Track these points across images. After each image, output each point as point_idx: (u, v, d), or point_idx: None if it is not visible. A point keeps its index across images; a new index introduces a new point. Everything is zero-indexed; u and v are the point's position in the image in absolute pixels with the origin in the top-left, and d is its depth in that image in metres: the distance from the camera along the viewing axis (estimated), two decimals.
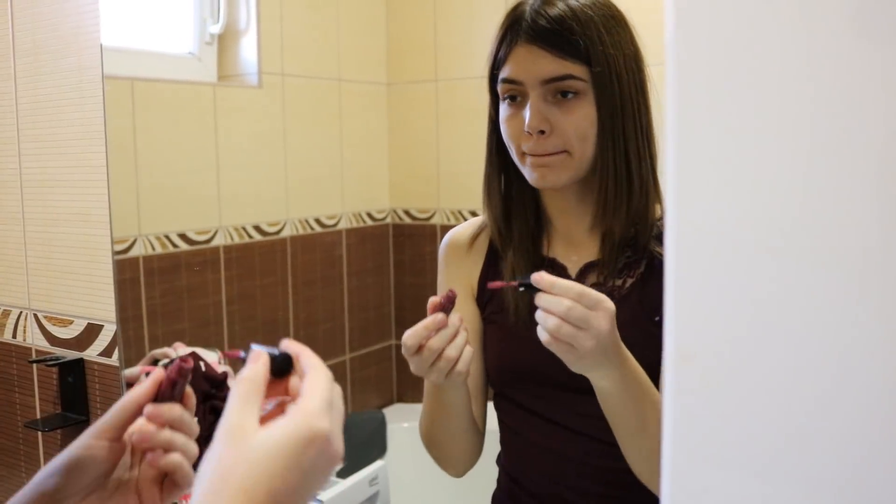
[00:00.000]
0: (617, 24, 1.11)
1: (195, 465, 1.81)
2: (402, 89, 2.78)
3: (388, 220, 2.84)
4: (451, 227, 1.31)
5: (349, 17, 2.64)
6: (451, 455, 1.25)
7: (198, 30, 2.31)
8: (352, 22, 2.65)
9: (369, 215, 2.76)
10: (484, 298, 1.24)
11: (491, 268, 1.24)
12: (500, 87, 1.14)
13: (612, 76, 1.09)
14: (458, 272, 1.27)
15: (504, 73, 1.13)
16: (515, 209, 1.21)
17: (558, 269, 1.18)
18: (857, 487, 0.39)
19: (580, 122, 1.09)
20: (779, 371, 0.40)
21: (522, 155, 1.12)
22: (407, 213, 2.81)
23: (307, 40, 2.49)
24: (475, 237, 1.27)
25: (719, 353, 0.42)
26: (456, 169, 2.67)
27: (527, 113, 1.10)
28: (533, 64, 1.10)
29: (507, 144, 1.15)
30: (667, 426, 0.44)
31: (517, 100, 1.13)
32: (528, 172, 1.13)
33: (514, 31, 1.12)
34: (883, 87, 0.37)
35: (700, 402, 0.43)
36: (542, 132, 1.09)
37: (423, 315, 1.26)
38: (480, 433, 1.25)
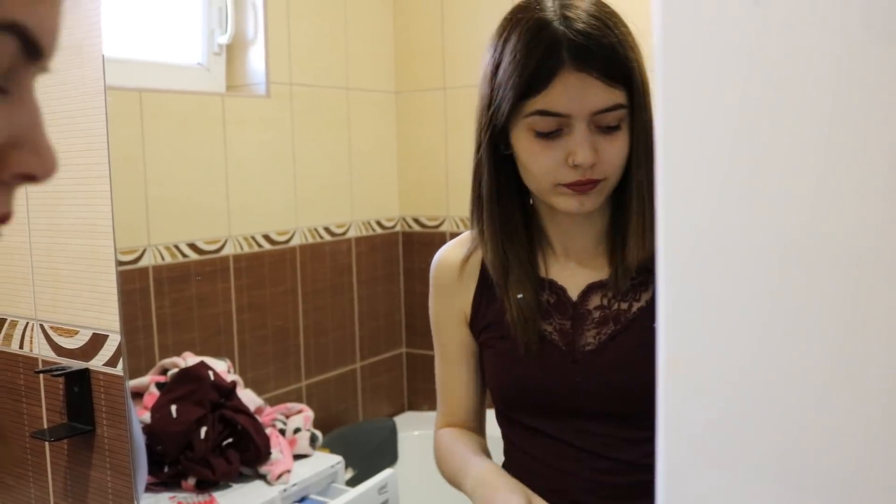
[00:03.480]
0: (628, 28, 1.05)
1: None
2: (411, 97, 2.78)
3: (398, 228, 2.84)
4: (461, 234, 1.26)
5: (357, 26, 2.65)
6: None
7: (206, 40, 2.32)
8: (359, 30, 2.66)
9: (378, 223, 2.76)
10: (480, 323, 1.20)
11: (485, 291, 1.19)
12: (533, 120, 1.03)
13: (647, 97, 1.04)
14: (449, 296, 1.23)
15: (544, 105, 1.02)
16: (508, 230, 1.15)
17: (557, 291, 1.14)
18: (851, 490, 0.38)
19: (621, 151, 1.04)
20: (771, 375, 0.40)
21: (556, 186, 1.05)
22: (416, 220, 2.82)
23: (315, 49, 2.50)
24: (467, 258, 1.21)
25: (711, 357, 0.42)
26: (465, 176, 2.63)
27: (574, 145, 1.01)
28: (583, 94, 1.00)
29: (531, 176, 1.07)
30: (660, 432, 0.44)
31: (553, 134, 1.03)
32: (560, 201, 1.06)
33: (556, 55, 1.00)
34: (874, 90, 0.36)
35: (692, 408, 0.43)
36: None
37: None
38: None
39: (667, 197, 0.42)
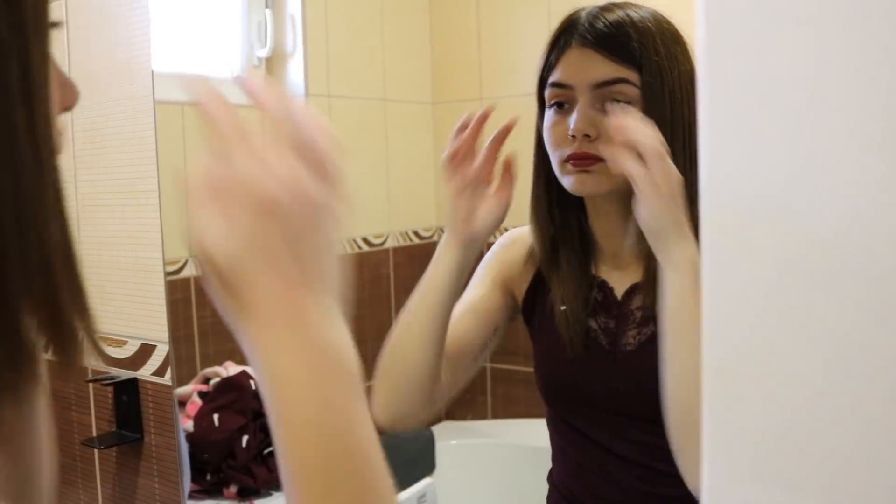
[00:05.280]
0: (675, 40, 1.09)
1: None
2: (448, 108, 2.80)
3: (435, 238, 2.85)
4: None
5: (394, 38, 2.67)
6: (400, 376, 1.15)
7: (245, 53, 2.35)
8: (396, 42, 2.68)
9: (416, 233, 2.77)
10: (532, 312, 1.23)
11: (539, 286, 1.22)
12: (547, 93, 1.11)
13: (665, 88, 1.06)
14: (511, 268, 1.25)
15: (553, 77, 1.10)
16: (563, 231, 1.19)
17: (606, 290, 1.17)
18: None
19: None
20: (819, 387, 0.40)
21: (563, 163, 1.09)
22: None
23: (353, 61, 2.52)
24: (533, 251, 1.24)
25: (757, 369, 0.42)
26: None
27: (573, 117, 1.07)
28: (584, 67, 1.07)
29: (549, 153, 1.12)
30: (705, 443, 0.44)
31: (564, 107, 1.09)
32: (567, 180, 1.10)
33: (568, 35, 1.09)
34: None
35: (738, 419, 0.43)
36: (587, 136, 1.06)
37: None
38: (435, 376, 1.15)
39: (712, 209, 0.42)
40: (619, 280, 1.17)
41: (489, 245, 1.28)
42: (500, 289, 1.25)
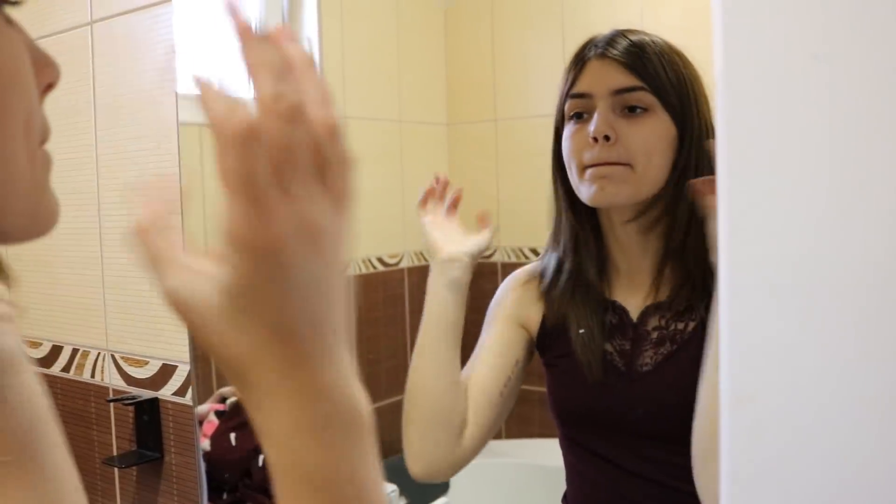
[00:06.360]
0: (685, 65, 1.12)
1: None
2: (462, 129, 2.81)
3: None
4: (512, 265, 1.29)
5: (409, 59, 2.68)
6: (426, 413, 1.18)
7: None
8: (411, 64, 2.69)
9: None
10: (546, 342, 1.23)
11: (552, 317, 1.22)
12: (567, 105, 1.14)
13: (688, 104, 1.09)
14: (520, 306, 1.26)
15: (573, 89, 1.13)
16: (580, 253, 1.19)
17: (621, 313, 1.17)
18: None
19: (647, 136, 1.08)
20: (839, 413, 0.40)
21: (582, 170, 1.10)
22: None
23: (368, 83, 2.54)
24: (541, 279, 1.25)
25: (777, 394, 0.42)
26: (516, 207, 2.67)
27: (592, 122, 1.09)
28: (603, 76, 1.10)
29: (567, 165, 1.14)
30: (723, 468, 0.44)
31: (584, 117, 1.12)
32: (585, 188, 1.11)
33: (586, 52, 1.14)
34: None
35: (757, 445, 0.43)
36: (607, 138, 1.07)
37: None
38: (456, 409, 1.19)
39: (730, 231, 0.42)
40: (633, 300, 1.17)
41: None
42: (514, 324, 1.25)
